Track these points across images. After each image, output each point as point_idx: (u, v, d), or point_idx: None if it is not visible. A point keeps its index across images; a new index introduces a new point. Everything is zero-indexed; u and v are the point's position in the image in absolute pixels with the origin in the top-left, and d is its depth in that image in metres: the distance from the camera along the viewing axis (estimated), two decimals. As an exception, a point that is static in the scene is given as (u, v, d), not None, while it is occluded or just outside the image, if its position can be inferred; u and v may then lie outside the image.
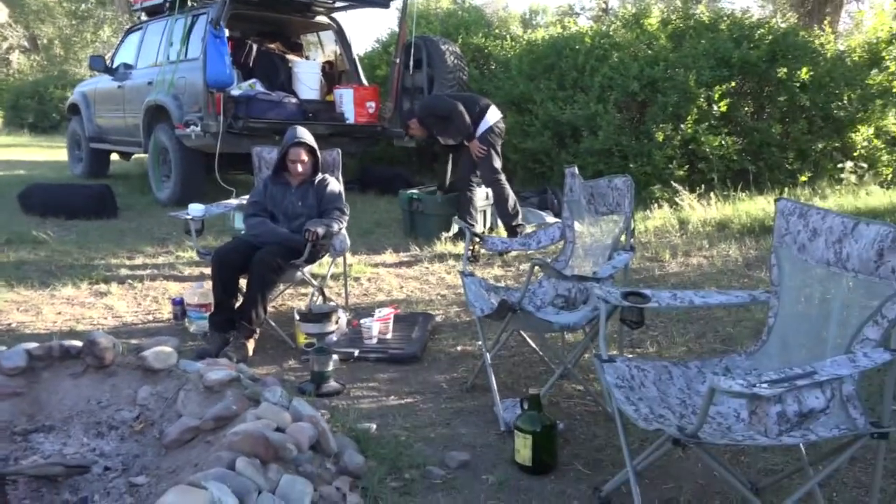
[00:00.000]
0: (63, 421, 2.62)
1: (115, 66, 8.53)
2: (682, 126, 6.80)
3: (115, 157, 9.59)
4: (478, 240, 3.29)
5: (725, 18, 7.63)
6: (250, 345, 3.59)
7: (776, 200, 2.30)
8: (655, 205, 6.39)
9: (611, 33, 7.88)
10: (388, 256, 5.44)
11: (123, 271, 4.94)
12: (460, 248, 5.51)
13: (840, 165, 6.96)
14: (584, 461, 2.54)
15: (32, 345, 2.78)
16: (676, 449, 1.98)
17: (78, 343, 2.79)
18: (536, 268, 2.83)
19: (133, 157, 9.51)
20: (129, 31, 9.06)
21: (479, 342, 3.12)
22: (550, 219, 6.33)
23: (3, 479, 2.01)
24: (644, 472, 2.33)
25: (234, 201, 4.58)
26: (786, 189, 6.60)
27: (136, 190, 8.21)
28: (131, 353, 2.83)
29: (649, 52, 7.33)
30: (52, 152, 14.06)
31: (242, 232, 4.27)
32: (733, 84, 6.97)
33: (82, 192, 6.94)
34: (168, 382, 2.68)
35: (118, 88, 8.33)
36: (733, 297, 2.44)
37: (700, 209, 5.98)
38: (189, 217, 3.95)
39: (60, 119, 19.40)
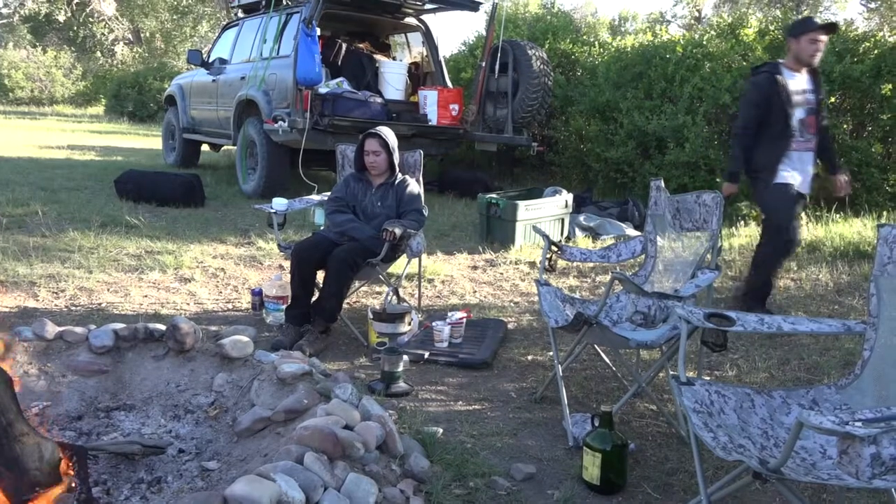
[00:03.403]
0: (143, 401, 2.72)
1: (210, 60, 8.87)
2: (774, 142, 6.53)
3: (205, 147, 9.94)
4: (556, 249, 3.23)
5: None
6: (323, 340, 3.64)
7: (879, 226, 2.16)
8: (742, 222, 6.17)
9: (704, 42, 7.65)
10: (463, 260, 5.44)
11: (207, 259, 5.10)
12: (535, 255, 5.45)
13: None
14: (653, 484, 2.46)
15: (119, 326, 2.91)
16: (754, 481, 1.89)
17: (161, 327, 2.90)
18: (615, 281, 2.76)
19: (222, 148, 9.84)
20: (225, 27, 9.39)
21: (551, 353, 3.07)
22: (631, 231, 6.19)
23: (86, 453, 2.09)
24: (718, 503, 2.23)
25: (315, 197, 4.66)
26: (885, 213, 6.25)
27: (222, 181, 8.48)
28: (210, 339, 2.92)
29: (744, 63, 7.08)
30: (147, 140, 14.74)
31: (322, 227, 4.34)
32: (833, 99, 6.66)
33: (174, 180, 7.21)
34: (243, 371, 2.75)
35: (212, 82, 8.64)
36: (825, 326, 2.31)
37: (790, 229, 5.73)
38: (272, 211, 4.04)
39: (157, 109, 20.34)
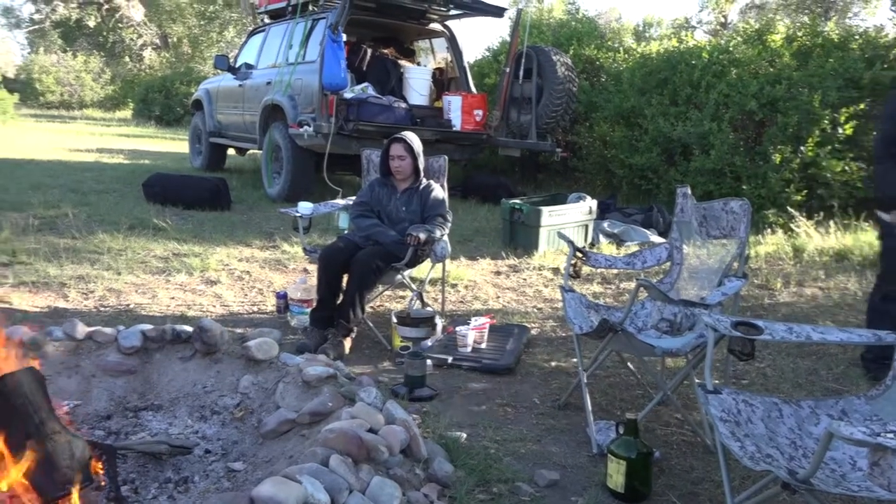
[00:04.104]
0: (170, 401, 2.76)
1: (237, 65, 8.97)
2: (802, 148, 6.46)
3: (231, 151, 10.04)
4: (581, 255, 3.22)
5: (857, 37, 7.19)
6: (347, 343, 3.66)
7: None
8: (768, 230, 6.11)
9: (730, 49, 7.58)
10: (486, 265, 5.44)
11: (233, 262, 5.16)
12: (558, 261, 5.43)
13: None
14: (678, 493, 2.44)
15: (147, 327, 2.95)
16: (782, 491, 1.87)
17: (188, 328, 2.93)
18: (640, 288, 2.74)
19: (248, 152, 9.94)
20: (252, 33, 9.49)
21: (575, 359, 3.06)
22: (655, 238, 6.15)
23: (114, 452, 2.12)
24: (744, 513, 2.21)
25: (340, 201, 4.69)
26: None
27: (248, 184, 8.57)
28: (236, 341, 2.95)
29: (771, 69, 7.01)
30: (174, 144, 14.93)
31: (346, 231, 4.37)
32: (862, 106, 6.56)
33: (200, 184, 7.29)
34: (269, 373, 2.77)
35: (239, 87, 8.74)
36: (855, 336, 2.27)
37: (817, 237, 5.67)
38: (298, 214, 4.08)
39: (184, 113, 20.59)
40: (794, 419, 2.08)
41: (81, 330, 2.87)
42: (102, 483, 2.04)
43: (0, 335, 2.49)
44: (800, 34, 7.53)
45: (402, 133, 4.00)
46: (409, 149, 3.95)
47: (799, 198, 6.41)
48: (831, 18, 18.30)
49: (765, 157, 6.61)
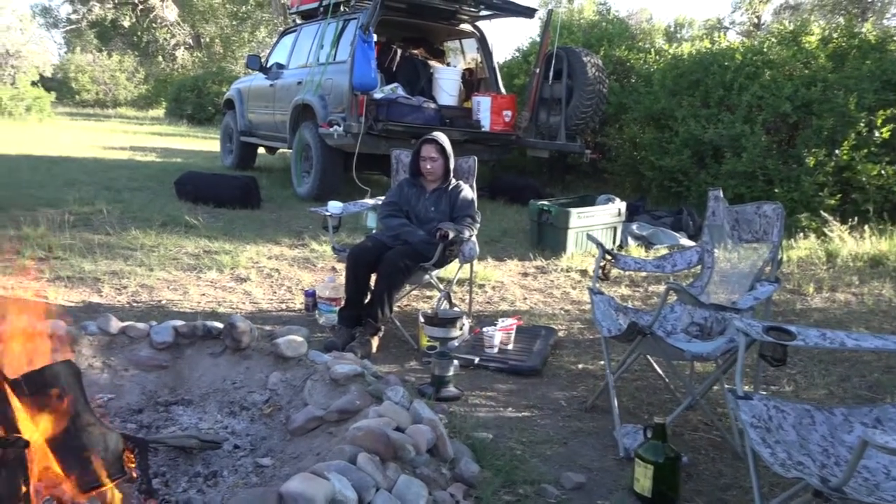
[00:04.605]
0: (201, 397, 2.80)
1: (268, 65, 9.06)
2: (836, 152, 6.36)
3: (261, 150, 10.15)
4: (609, 258, 3.21)
5: (895, 38, 7.06)
6: (375, 342, 3.68)
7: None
8: (801, 234, 6.01)
9: (764, 50, 7.48)
10: (514, 266, 5.43)
11: (262, 260, 5.21)
12: (586, 263, 5.41)
13: None
14: (706, 499, 2.41)
15: (179, 323, 2.99)
16: (814, 499, 1.84)
17: (219, 325, 2.97)
18: (670, 292, 2.72)
19: (278, 151, 10.03)
20: (284, 33, 9.57)
21: (603, 362, 3.05)
22: (685, 241, 6.09)
23: (146, 445, 2.16)
24: (774, 520, 2.18)
25: (369, 201, 4.72)
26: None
27: (277, 183, 8.65)
28: (265, 338, 2.98)
29: (806, 71, 6.91)
30: (206, 143, 15.12)
31: (374, 231, 4.39)
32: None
33: (231, 182, 7.38)
34: (297, 371, 2.80)
35: (270, 87, 8.82)
36: (891, 343, 2.23)
37: (851, 242, 5.56)
38: (328, 214, 4.11)
39: (215, 112, 20.85)
40: (827, 426, 2.05)
41: (115, 325, 2.93)
42: (134, 475, 2.08)
43: (38, 328, 2.55)
44: (835, 35, 7.40)
45: (434, 134, 4.00)
46: (442, 150, 3.95)
47: (833, 202, 6.31)
48: (868, 19, 17.95)
49: (798, 161, 6.51)
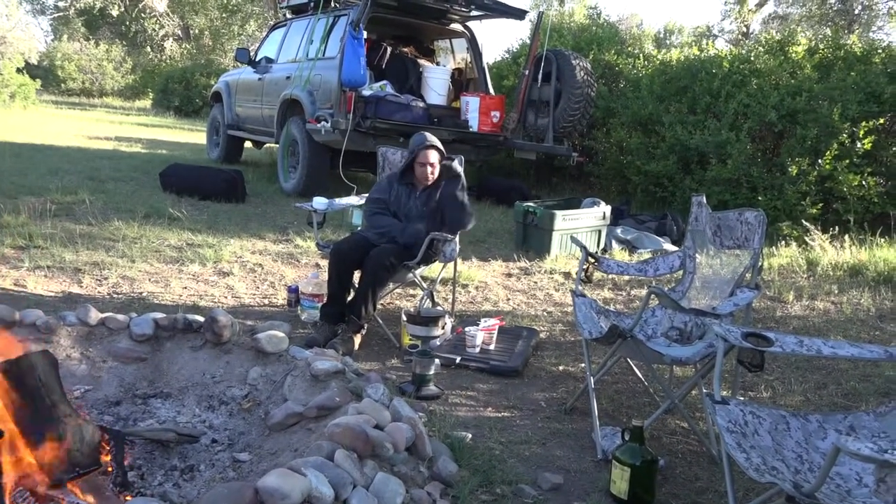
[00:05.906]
0: (179, 390, 2.78)
1: (257, 59, 9.01)
2: (819, 161, 6.43)
3: (248, 144, 10.10)
4: (593, 260, 3.22)
5: (880, 51, 7.14)
6: (357, 339, 3.67)
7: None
8: (782, 242, 6.07)
9: (751, 59, 7.55)
10: (498, 267, 5.44)
11: (246, 255, 5.19)
12: (570, 265, 5.43)
13: None
14: (682, 502, 2.43)
15: (159, 315, 2.97)
16: (787, 505, 1.86)
17: (200, 318, 2.96)
18: (651, 296, 2.74)
19: (264, 146, 9.98)
20: (273, 27, 9.53)
21: (583, 364, 3.06)
22: (668, 246, 6.13)
23: (123, 438, 2.15)
24: (747, 524, 2.20)
25: (355, 198, 4.70)
26: (932, 240, 6.09)
27: (263, 178, 8.61)
28: (246, 333, 2.97)
29: (792, 81, 6.97)
30: (192, 135, 15.02)
31: (359, 228, 4.38)
32: (882, 121, 6.53)
33: (216, 175, 7.34)
34: (277, 366, 2.79)
35: (258, 80, 8.78)
36: (867, 352, 2.26)
37: (832, 251, 5.62)
38: (313, 209, 4.10)
39: (202, 105, 20.73)
40: (802, 433, 2.07)
41: (94, 316, 2.91)
42: (109, 468, 2.07)
43: (15, 318, 2.52)
44: (822, 46, 7.48)
45: (430, 138, 3.94)
46: (441, 155, 3.94)
47: (814, 211, 6.37)
48: (854, 32, 18.16)
49: (782, 169, 6.58)
